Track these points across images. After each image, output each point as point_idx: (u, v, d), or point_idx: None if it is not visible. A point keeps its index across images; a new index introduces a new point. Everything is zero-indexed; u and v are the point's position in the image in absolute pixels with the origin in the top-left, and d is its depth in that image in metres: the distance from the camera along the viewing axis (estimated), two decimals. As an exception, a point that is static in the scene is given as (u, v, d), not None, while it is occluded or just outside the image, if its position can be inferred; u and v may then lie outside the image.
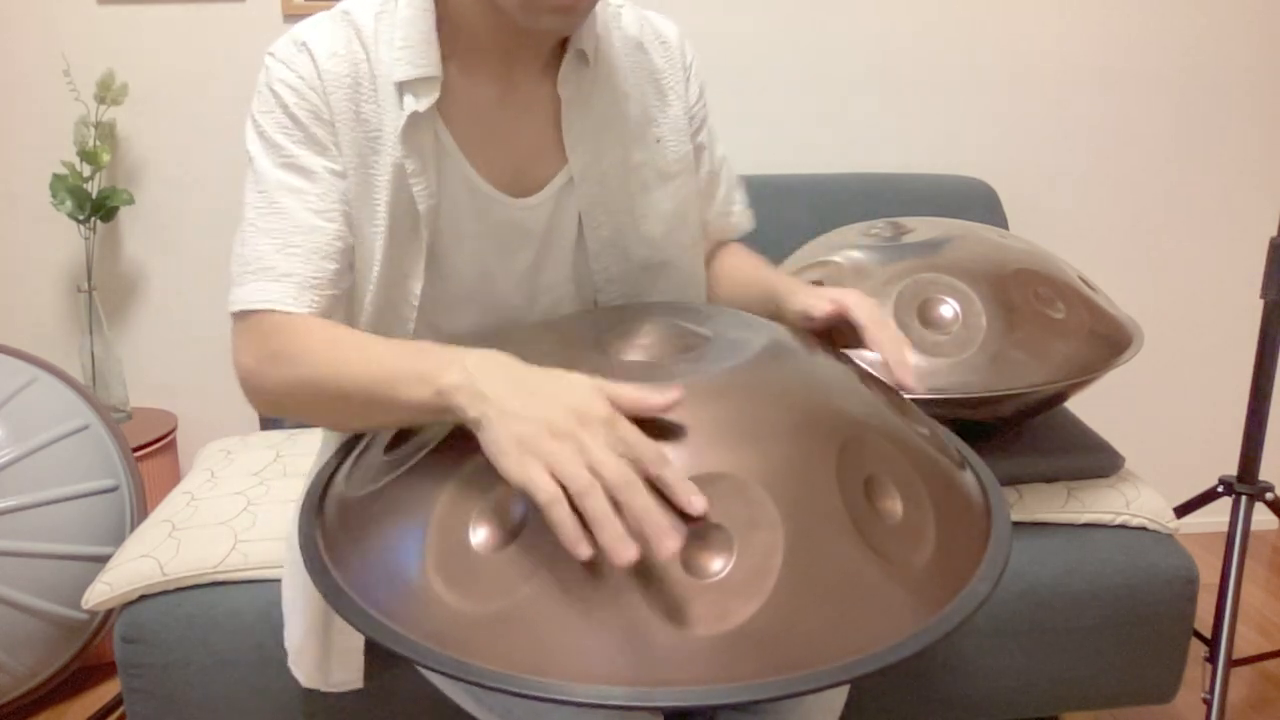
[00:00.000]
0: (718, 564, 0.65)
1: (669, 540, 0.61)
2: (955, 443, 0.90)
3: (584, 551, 0.62)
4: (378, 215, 0.91)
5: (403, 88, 0.90)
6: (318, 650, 1.07)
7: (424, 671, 1.08)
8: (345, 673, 1.09)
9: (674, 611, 0.63)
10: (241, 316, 0.88)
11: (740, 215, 1.17)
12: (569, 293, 1.05)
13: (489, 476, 0.69)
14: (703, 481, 0.68)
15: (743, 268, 1.13)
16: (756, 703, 0.68)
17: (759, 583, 0.65)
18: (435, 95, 0.90)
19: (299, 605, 1.07)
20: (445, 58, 0.92)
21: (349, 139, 0.90)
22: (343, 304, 0.94)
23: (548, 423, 0.66)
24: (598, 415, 0.67)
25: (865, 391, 0.81)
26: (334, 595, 0.71)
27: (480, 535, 0.69)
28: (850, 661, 0.63)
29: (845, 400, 0.78)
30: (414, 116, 0.89)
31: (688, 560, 0.65)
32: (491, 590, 0.66)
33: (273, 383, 0.84)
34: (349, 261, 0.92)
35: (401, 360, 0.77)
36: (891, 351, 0.88)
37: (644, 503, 0.62)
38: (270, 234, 0.88)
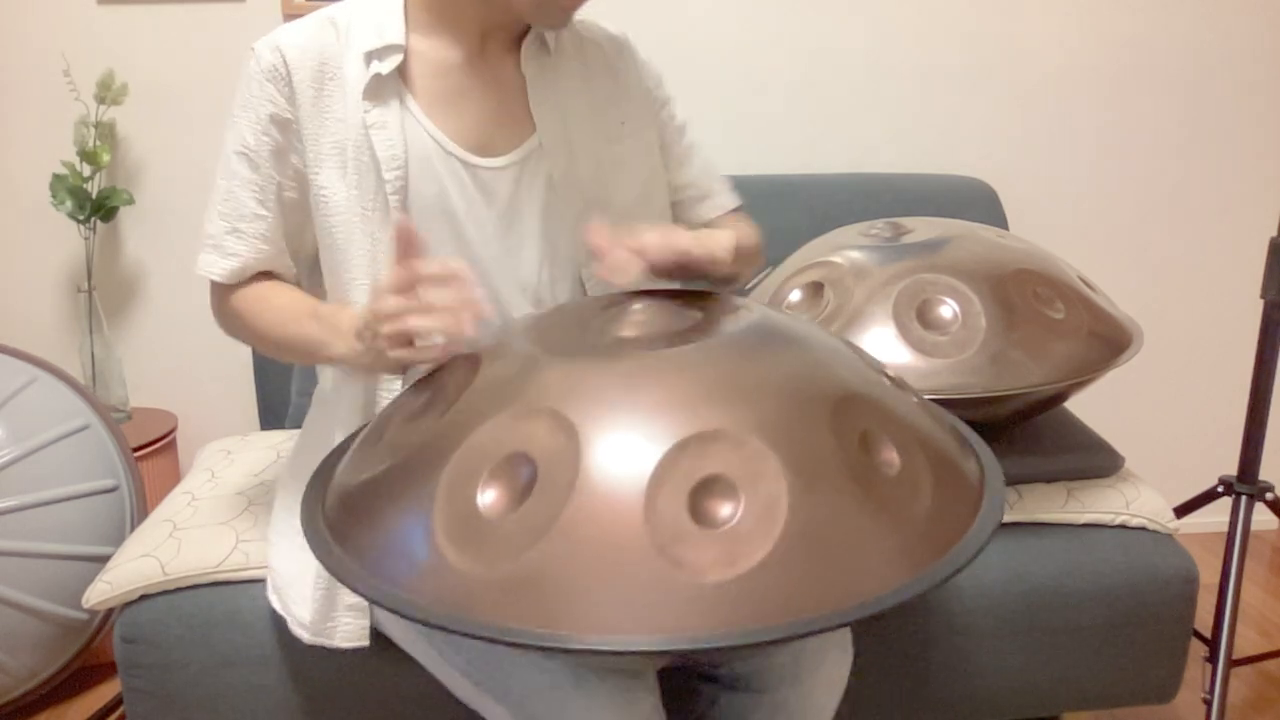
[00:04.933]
0: (725, 511, 0.67)
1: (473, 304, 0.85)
2: (944, 412, 0.92)
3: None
4: (340, 169, 1.03)
5: (370, 56, 1.02)
6: (324, 606, 1.09)
7: (423, 667, 1.08)
8: (352, 629, 1.10)
9: (684, 561, 0.64)
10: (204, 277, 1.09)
11: (723, 195, 1.24)
12: (543, 267, 1.09)
13: (493, 446, 0.71)
14: (702, 439, 0.69)
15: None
16: (765, 646, 0.74)
17: (766, 530, 0.66)
18: (398, 59, 1.02)
19: (308, 566, 1.09)
20: (414, 29, 1.04)
21: (309, 114, 1.02)
22: (288, 267, 1.10)
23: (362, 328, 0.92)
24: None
25: (858, 362, 0.83)
26: (337, 566, 0.72)
27: (488, 498, 0.69)
28: (854, 605, 0.64)
29: (837, 367, 0.79)
30: (376, 79, 1.01)
31: (696, 510, 0.67)
32: (501, 552, 0.67)
33: (227, 327, 1.11)
34: (285, 243, 1.08)
35: (303, 329, 1.02)
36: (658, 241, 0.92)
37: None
38: (224, 216, 1.06)
